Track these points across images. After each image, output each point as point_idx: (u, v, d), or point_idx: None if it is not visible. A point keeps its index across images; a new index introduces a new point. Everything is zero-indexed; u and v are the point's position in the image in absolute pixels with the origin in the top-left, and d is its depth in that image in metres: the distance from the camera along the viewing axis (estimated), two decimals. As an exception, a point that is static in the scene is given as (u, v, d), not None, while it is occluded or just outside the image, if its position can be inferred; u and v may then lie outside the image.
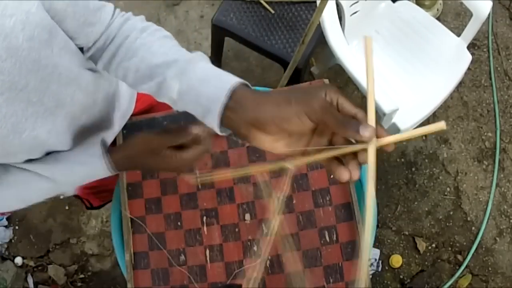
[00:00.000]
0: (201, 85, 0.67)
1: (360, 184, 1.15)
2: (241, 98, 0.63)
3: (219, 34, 1.89)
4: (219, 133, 0.67)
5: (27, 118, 0.69)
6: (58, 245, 2.17)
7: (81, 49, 0.80)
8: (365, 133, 0.56)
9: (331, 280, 1.06)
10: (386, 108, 1.54)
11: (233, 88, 0.64)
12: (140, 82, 0.76)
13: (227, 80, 0.65)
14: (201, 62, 0.71)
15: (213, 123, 0.65)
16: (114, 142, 1.14)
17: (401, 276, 2.05)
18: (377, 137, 0.57)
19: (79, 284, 2.12)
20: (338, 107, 0.59)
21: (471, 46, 2.30)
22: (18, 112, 0.66)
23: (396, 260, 2.03)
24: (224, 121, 0.65)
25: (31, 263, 2.14)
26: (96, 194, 1.29)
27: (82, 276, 2.13)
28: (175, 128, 0.83)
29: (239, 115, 0.63)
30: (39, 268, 2.14)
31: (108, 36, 0.78)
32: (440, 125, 0.54)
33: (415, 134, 0.57)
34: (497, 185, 2.14)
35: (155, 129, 1.16)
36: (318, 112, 0.57)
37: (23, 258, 2.14)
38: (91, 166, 0.86)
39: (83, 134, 0.90)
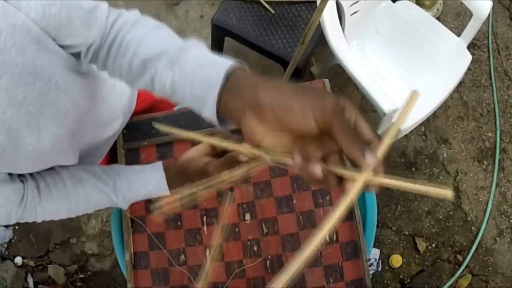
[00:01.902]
0: (195, 73, 0.62)
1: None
2: (239, 79, 0.58)
3: (219, 34, 1.89)
4: (218, 125, 0.61)
5: (31, 133, 0.68)
6: (58, 245, 2.17)
7: (78, 54, 0.75)
8: (370, 158, 0.50)
9: (331, 280, 1.06)
10: (386, 108, 1.54)
11: (230, 70, 0.58)
12: (135, 79, 0.70)
13: (222, 64, 0.59)
14: (194, 49, 0.65)
15: (211, 112, 0.60)
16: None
17: (401, 276, 2.05)
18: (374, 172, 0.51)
19: (79, 284, 2.12)
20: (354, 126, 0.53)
21: (471, 46, 2.30)
22: (22, 126, 0.65)
23: (396, 260, 2.03)
24: (221, 108, 0.59)
25: (31, 263, 2.14)
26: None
27: (82, 276, 2.13)
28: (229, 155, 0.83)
29: (236, 96, 0.57)
30: (39, 268, 2.14)
31: (103, 34, 0.73)
32: (445, 193, 0.48)
33: (417, 189, 0.51)
34: (497, 185, 2.14)
35: (155, 130, 1.16)
36: (328, 113, 0.51)
37: (23, 258, 2.14)
38: (151, 185, 0.90)
39: (88, 137, 0.91)
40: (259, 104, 0.54)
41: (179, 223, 1.11)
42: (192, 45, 0.66)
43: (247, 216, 1.10)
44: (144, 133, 1.16)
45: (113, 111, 0.99)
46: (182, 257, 1.09)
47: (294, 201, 1.10)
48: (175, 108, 1.21)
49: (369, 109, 2.15)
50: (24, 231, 2.18)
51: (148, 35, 0.70)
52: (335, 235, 1.08)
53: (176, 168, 0.90)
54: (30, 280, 2.10)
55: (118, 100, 1.01)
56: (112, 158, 1.16)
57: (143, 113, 1.19)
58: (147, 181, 0.90)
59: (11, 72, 0.60)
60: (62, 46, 0.69)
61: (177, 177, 0.90)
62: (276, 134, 0.56)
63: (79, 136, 0.85)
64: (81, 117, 0.81)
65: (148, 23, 0.73)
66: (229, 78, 0.58)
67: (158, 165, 0.91)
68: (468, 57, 1.72)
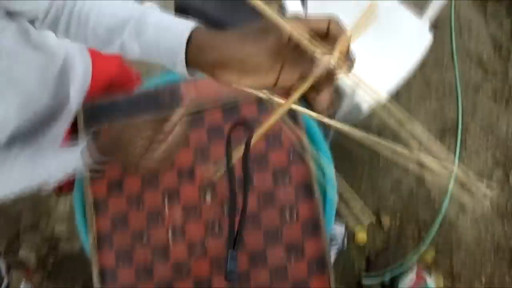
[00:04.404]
0: (158, 43, 0.68)
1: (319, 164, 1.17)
2: (198, 44, 0.65)
3: (182, 14, 1.87)
4: (192, 77, 0.69)
5: None
6: (28, 228, 2.16)
7: (33, 22, 0.78)
8: (318, 68, 0.58)
9: (292, 259, 1.09)
10: (347, 88, 1.56)
11: (188, 37, 0.65)
12: (103, 46, 0.75)
13: (179, 31, 0.66)
14: (151, 16, 0.70)
15: (183, 72, 0.67)
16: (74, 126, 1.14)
17: (367, 253, 2.10)
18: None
19: (50, 266, 2.12)
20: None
21: (434, 27, 2.33)
22: None
23: (361, 237, 2.08)
24: (191, 66, 0.66)
25: (2, 247, 2.13)
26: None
27: (53, 258, 2.12)
28: (156, 119, 0.82)
29: (200, 60, 0.64)
30: (10, 252, 2.13)
31: (57, 5, 0.76)
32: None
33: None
34: (459, 162, 2.19)
35: (116, 113, 1.16)
36: (274, 51, 0.59)
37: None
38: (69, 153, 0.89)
39: (39, 111, 0.91)
40: (221, 63, 0.61)
41: (141, 204, 1.12)
42: (149, 11, 0.71)
43: (208, 196, 1.12)
44: (105, 115, 1.16)
45: (66, 85, 1.01)
46: (145, 238, 1.10)
47: (255, 181, 1.12)
48: (136, 91, 1.22)
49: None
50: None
51: (104, 2, 0.74)
52: (295, 214, 1.10)
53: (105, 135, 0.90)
54: (3, 265, 2.09)
55: (71, 74, 1.03)
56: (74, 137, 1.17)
57: (102, 91, 1.19)
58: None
59: None
60: (14, 13, 0.72)
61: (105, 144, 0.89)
62: (251, 77, 0.62)
63: (33, 112, 0.86)
64: (33, 87, 0.83)
65: None
66: (190, 45, 0.65)
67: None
68: (429, 37, 1.75)
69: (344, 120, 1.79)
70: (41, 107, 0.92)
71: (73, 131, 1.16)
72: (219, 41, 0.62)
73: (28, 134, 0.94)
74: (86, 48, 1.12)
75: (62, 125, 1.08)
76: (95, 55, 1.14)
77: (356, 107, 1.64)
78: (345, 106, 1.70)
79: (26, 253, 2.13)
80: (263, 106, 1.15)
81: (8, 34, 0.73)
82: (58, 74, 0.96)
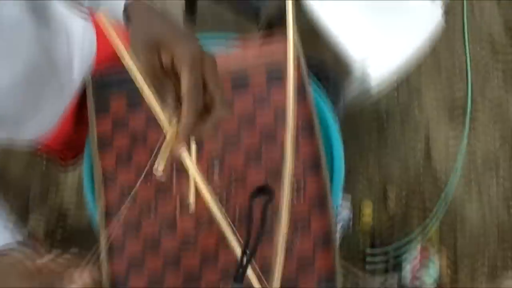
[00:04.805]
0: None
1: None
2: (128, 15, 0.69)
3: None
4: None
5: None
6: (37, 201, 2.18)
7: None
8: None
9: (298, 235, 1.09)
10: (357, 69, 1.55)
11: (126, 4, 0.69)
12: None
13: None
14: None
15: None
16: (84, 100, 1.14)
17: (372, 231, 2.11)
18: None
19: (59, 238, 2.14)
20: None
21: (446, 6, 2.30)
22: None
23: (367, 207, 2.10)
24: None
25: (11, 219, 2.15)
26: (68, 149, 1.29)
27: (61, 231, 2.15)
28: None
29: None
30: (20, 223, 2.15)
31: None
32: None
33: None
34: (467, 143, 2.18)
35: (125, 86, 1.15)
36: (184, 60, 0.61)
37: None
38: None
39: (39, 80, 0.91)
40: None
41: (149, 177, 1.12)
42: None
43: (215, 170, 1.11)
44: (114, 82, 1.15)
45: (70, 52, 1.01)
46: (153, 211, 1.10)
47: (257, 119, 1.13)
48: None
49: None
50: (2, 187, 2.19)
51: None
52: (302, 190, 1.10)
53: None
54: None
55: (71, 40, 1.02)
56: (82, 107, 1.17)
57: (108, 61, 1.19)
58: None
59: None
60: None
61: None
62: None
63: (35, 81, 0.86)
64: (35, 58, 0.83)
65: None
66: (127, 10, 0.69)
67: None
68: (439, 13, 1.71)
69: (354, 101, 1.78)
70: (44, 77, 0.93)
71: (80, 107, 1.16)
72: (133, 23, 0.67)
73: (32, 104, 0.95)
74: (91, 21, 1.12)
75: (66, 98, 1.09)
76: (100, 29, 1.14)
77: (366, 89, 1.63)
78: (354, 87, 1.69)
79: (35, 226, 2.15)
80: (272, 76, 1.14)
81: (10, 4, 0.72)
82: (60, 47, 0.96)
